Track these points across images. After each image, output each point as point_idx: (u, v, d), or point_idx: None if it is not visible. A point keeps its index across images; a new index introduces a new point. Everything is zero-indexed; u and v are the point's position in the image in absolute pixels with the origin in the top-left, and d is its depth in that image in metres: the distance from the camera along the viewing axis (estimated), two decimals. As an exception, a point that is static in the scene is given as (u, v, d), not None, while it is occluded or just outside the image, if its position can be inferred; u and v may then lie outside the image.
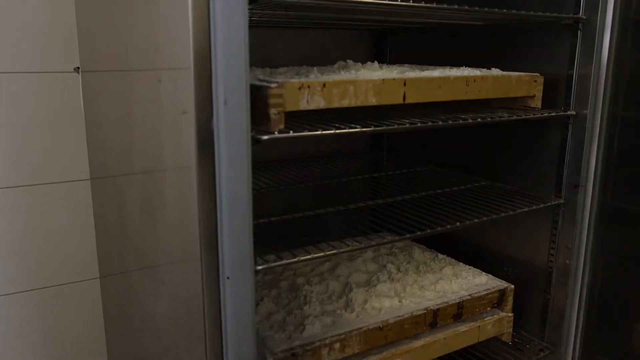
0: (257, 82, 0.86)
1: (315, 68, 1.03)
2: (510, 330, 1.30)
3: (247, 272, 0.80)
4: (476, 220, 1.11)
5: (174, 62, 0.79)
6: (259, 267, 0.84)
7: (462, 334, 1.22)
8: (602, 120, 1.18)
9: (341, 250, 0.95)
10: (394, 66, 1.22)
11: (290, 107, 0.86)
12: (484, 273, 1.34)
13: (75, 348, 1.49)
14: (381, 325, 1.10)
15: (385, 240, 1.01)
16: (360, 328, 1.08)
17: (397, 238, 1.02)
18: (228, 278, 0.78)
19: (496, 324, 1.27)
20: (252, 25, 1.47)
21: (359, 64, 1.12)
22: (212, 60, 0.71)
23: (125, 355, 1.40)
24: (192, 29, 0.70)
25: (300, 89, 0.86)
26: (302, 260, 0.92)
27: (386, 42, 1.70)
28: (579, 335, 1.29)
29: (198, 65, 0.72)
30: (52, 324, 1.45)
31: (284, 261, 0.89)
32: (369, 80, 0.93)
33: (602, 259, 1.25)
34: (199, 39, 0.71)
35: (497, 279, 1.32)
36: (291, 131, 0.84)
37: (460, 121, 1.02)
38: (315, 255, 0.92)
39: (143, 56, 0.93)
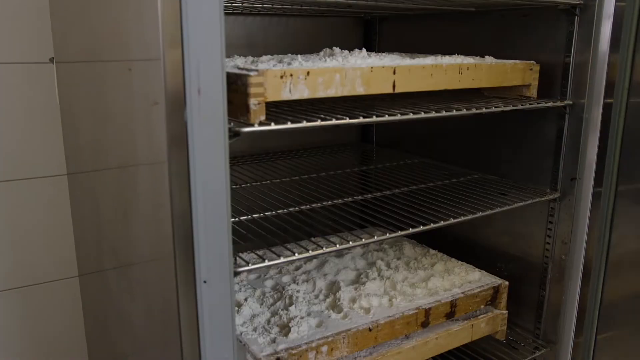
0: (236, 71, 0.80)
1: (299, 56, 0.97)
2: (504, 328, 1.25)
3: (225, 275, 0.74)
4: (470, 217, 1.06)
5: (144, 48, 0.73)
6: (239, 270, 0.78)
7: (455, 333, 1.17)
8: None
9: (328, 249, 0.90)
10: (384, 54, 1.16)
11: (271, 97, 0.80)
12: (477, 269, 1.29)
13: (55, 348, 1.45)
14: (371, 327, 1.05)
15: (374, 239, 0.96)
16: (349, 330, 1.03)
17: (388, 235, 0.96)
18: (205, 282, 0.73)
19: (490, 322, 1.22)
20: (237, 13, 1.41)
21: (346, 51, 1.06)
22: (185, 46, 0.65)
23: (106, 355, 1.35)
24: (161, 12, 0.64)
25: (282, 77, 0.80)
26: (285, 262, 0.86)
27: (375, 31, 1.64)
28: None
29: (169, 49, 0.66)
30: (31, 323, 1.40)
31: (267, 263, 0.83)
32: (357, 68, 0.87)
33: (601, 253, 1.20)
34: (170, 23, 0.65)
35: (490, 275, 1.27)
36: (272, 123, 0.78)
37: (454, 111, 0.96)
38: (300, 256, 0.86)
39: (115, 45, 0.87)
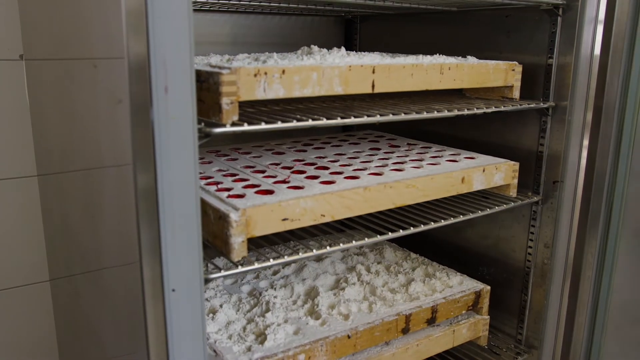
0: (208, 69, 0.76)
1: (275, 54, 0.94)
2: (486, 333, 1.23)
3: (195, 283, 0.71)
4: (451, 221, 1.03)
5: (107, 42, 0.69)
6: (211, 277, 0.75)
7: (436, 340, 1.14)
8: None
9: (304, 255, 0.86)
10: (364, 53, 1.13)
11: (245, 97, 0.76)
12: (458, 273, 1.27)
13: (26, 355, 1.39)
14: (350, 334, 1.02)
15: (352, 243, 0.92)
16: (327, 337, 1.00)
17: (366, 240, 0.93)
18: (173, 290, 0.69)
19: (471, 327, 1.20)
20: (214, 10, 1.37)
21: (325, 50, 1.03)
22: (150, 40, 0.61)
23: (78, 363, 1.30)
24: (125, 3, 0.60)
25: (256, 75, 0.76)
26: (260, 268, 0.83)
27: (356, 30, 1.61)
28: (559, 338, 1.23)
29: (133, 44, 0.62)
30: (1, 329, 1.34)
31: (240, 269, 0.80)
32: (334, 67, 0.84)
33: (583, 258, 1.19)
34: (134, 15, 0.61)
35: (472, 279, 1.25)
36: (245, 124, 0.75)
37: (435, 112, 0.93)
38: (275, 262, 0.83)
39: (80, 41, 0.83)
